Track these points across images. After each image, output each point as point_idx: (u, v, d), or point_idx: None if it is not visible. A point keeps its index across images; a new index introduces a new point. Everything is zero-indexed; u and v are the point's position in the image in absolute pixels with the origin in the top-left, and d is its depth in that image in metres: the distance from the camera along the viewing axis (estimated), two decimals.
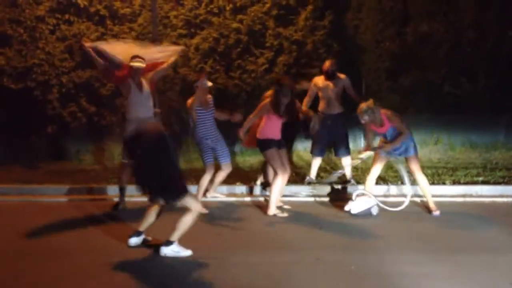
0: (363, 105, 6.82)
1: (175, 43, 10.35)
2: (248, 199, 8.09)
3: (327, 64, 8.15)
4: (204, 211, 7.09)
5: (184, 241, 5.56)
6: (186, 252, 5.54)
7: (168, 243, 5.52)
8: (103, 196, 8.25)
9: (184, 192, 5.47)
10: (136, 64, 7.05)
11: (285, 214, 7.01)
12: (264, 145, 7.05)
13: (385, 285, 4.75)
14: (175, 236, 5.50)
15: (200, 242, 5.92)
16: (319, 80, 8.17)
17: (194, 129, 7.38)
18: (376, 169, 7.24)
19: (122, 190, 7.45)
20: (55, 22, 10.41)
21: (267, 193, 7.60)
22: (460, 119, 10.52)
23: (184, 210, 5.49)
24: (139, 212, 6.17)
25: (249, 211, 7.42)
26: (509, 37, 10.60)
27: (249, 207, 7.65)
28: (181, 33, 10.56)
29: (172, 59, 7.60)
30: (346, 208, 7.12)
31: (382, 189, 8.07)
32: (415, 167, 7.07)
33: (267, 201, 7.35)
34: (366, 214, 7.01)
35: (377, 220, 6.89)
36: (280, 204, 7.37)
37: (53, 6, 10.38)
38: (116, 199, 7.59)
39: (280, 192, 7.31)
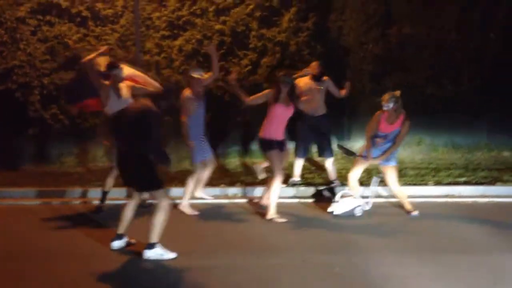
0: (392, 92, 6.93)
1: (157, 45, 10.31)
2: (235, 201, 8.07)
3: (314, 66, 8.19)
4: (192, 212, 7.16)
5: (168, 243, 5.53)
6: (170, 255, 5.50)
7: (151, 245, 5.47)
8: (86, 199, 8.16)
9: (158, 184, 5.52)
10: (116, 71, 6.97)
11: (283, 220, 6.86)
12: (265, 145, 6.95)
13: (371, 287, 4.76)
14: (154, 237, 5.46)
15: (185, 244, 5.89)
16: (301, 82, 8.16)
17: (187, 122, 7.15)
18: (358, 171, 7.27)
19: (104, 194, 7.37)
20: (36, 23, 10.28)
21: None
22: (443, 120, 10.59)
23: (155, 208, 5.49)
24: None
25: (236, 213, 7.39)
26: (491, 39, 10.70)
27: (236, 209, 7.61)
28: (164, 35, 10.49)
29: (151, 89, 7.40)
30: (330, 209, 7.14)
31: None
32: (394, 177, 7.12)
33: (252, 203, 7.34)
34: (350, 215, 7.03)
35: (361, 221, 6.91)
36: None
37: (34, 7, 10.25)
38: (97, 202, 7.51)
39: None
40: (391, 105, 6.86)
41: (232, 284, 4.88)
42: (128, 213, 5.79)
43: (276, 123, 6.89)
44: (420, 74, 10.70)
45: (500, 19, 10.65)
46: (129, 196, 6.13)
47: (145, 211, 7.31)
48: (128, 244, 5.82)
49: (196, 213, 7.20)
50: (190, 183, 7.34)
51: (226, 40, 10.51)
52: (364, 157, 7.12)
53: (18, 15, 10.22)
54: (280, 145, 6.95)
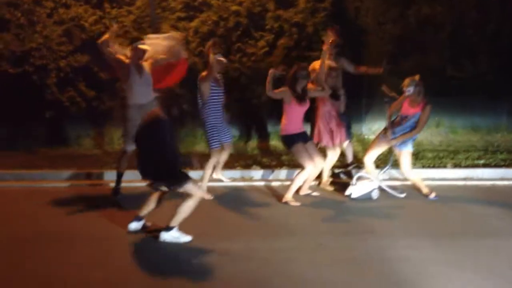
0: (412, 77, 6.89)
1: (173, 27, 10.25)
2: (252, 183, 8.05)
3: (331, 34, 7.79)
4: (209, 197, 6.95)
5: (184, 226, 5.54)
6: (186, 238, 5.52)
7: (168, 228, 5.50)
8: (103, 181, 8.20)
9: (184, 178, 5.45)
10: (140, 45, 6.99)
11: (298, 203, 6.85)
12: (288, 141, 6.93)
13: (387, 271, 4.74)
14: (175, 221, 5.48)
15: (201, 227, 5.90)
16: (317, 65, 7.96)
17: (203, 106, 7.07)
18: (375, 153, 7.21)
19: (119, 176, 7.41)
20: (53, 6, 10.28)
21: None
22: (462, 101, 10.44)
23: (186, 196, 5.46)
24: (138, 198, 6.17)
25: (252, 196, 7.37)
26: (510, 19, 10.48)
27: (252, 192, 7.60)
28: (179, 16, 10.43)
29: (172, 43, 7.47)
30: (347, 192, 7.11)
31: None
32: (408, 163, 7.05)
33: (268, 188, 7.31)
34: (367, 198, 6.99)
35: (377, 204, 6.87)
36: (309, 191, 7.32)
37: None
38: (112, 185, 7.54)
39: (310, 180, 7.25)
40: (411, 89, 6.83)
41: (246, 267, 4.88)
42: (153, 202, 5.80)
43: (294, 119, 6.88)
44: (439, 55, 10.53)
45: None
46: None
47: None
48: (144, 227, 5.84)
49: (210, 197, 7.00)
50: (208, 169, 7.24)
51: (242, 22, 10.41)
52: (382, 138, 7.07)
53: None
54: (302, 137, 6.93)
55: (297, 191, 7.20)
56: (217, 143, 7.17)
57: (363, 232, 5.77)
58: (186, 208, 5.45)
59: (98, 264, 5.00)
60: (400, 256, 5.04)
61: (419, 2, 10.51)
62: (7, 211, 6.75)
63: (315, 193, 7.30)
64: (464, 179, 8.02)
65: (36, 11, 10.24)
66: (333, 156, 7.63)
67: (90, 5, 10.33)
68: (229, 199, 7.22)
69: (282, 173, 8.29)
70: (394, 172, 7.92)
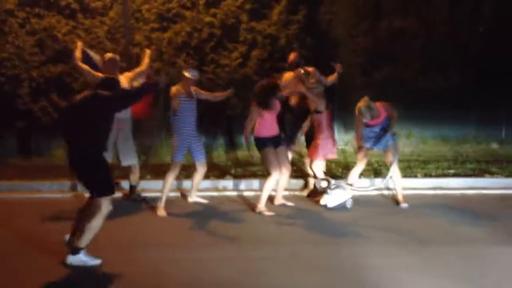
0: (361, 105, 6.82)
1: (147, 37, 10.26)
2: (225, 193, 8.07)
3: (291, 56, 8.08)
4: (163, 214, 6.78)
5: (158, 235, 5.49)
6: (94, 262, 5.08)
7: (76, 250, 5.05)
8: (76, 192, 8.12)
9: (106, 190, 5.05)
10: (111, 56, 6.98)
11: (271, 213, 6.85)
12: (259, 144, 6.97)
13: (360, 278, 4.78)
14: (82, 243, 5.03)
15: (174, 237, 5.89)
16: (289, 76, 8.06)
17: (173, 118, 6.96)
18: (362, 163, 7.29)
19: (131, 188, 7.54)
20: (25, 16, 10.21)
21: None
22: (432, 113, 10.64)
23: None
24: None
25: (225, 206, 7.38)
26: (480, 32, 10.75)
27: (226, 202, 7.61)
28: (153, 27, 10.46)
29: (146, 60, 7.49)
30: (322, 202, 7.14)
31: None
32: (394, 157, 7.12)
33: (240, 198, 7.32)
34: (341, 207, 7.05)
35: (351, 213, 6.94)
36: (283, 201, 7.33)
37: (23, 0, 10.18)
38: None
39: (281, 188, 7.27)
40: (368, 116, 6.87)
41: (220, 276, 4.87)
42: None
43: (267, 123, 6.93)
44: (410, 67, 10.73)
45: (489, 12, 10.69)
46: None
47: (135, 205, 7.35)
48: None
49: (164, 214, 6.79)
50: (167, 181, 6.97)
51: (216, 33, 10.49)
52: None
53: (7, 7, 10.15)
54: (274, 142, 6.96)
55: (272, 201, 7.24)
56: (181, 155, 6.99)
57: (337, 241, 5.82)
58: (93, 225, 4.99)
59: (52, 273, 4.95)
60: (373, 264, 5.09)
61: (390, 15, 10.70)
62: None
63: (289, 203, 7.33)
64: (434, 188, 8.16)
65: (8, 21, 10.15)
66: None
67: (63, 16, 10.28)
68: (202, 209, 7.22)
69: (255, 183, 8.32)
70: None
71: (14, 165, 9.72)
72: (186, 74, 7.01)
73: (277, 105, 6.97)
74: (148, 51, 7.64)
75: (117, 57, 7.12)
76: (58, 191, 8.23)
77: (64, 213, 6.79)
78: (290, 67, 8.01)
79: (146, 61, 7.47)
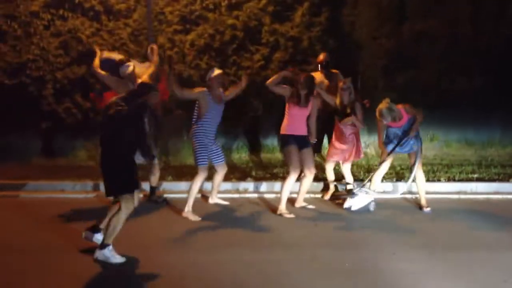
0: (382, 107, 6.71)
1: (170, 40, 10.31)
2: (246, 195, 8.06)
3: (321, 56, 8.24)
4: (197, 218, 6.73)
5: (178, 237, 5.52)
6: (118, 259, 5.23)
7: (103, 246, 5.22)
8: (98, 192, 8.19)
9: (127, 188, 5.26)
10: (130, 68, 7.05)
11: (292, 215, 6.80)
12: (282, 141, 6.97)
13: (381, 283, 4.75)
14: (108, 239, 5.21)
15: (195, 238, 5.90)
16: (315, 77, 8.08)
17: (196, 122, 6.87)
18: (385, 166, 7.24)
19: (152, 189, 7.54)
20: (50, 18, 10.35)
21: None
22: (456, 116, 10.52)
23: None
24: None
25: (246, 208, 7.36)
26: (503, 34, 10.61)
27: (247, 204, 7.58)
28: (176, 29, 10.51)
29: (155, 58, 7.58)
30: (346, 205, 7.08)
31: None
32: (418, 161, 7.02)
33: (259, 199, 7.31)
34: (364, 210, 7.00)
35: (373, 216, 6.88)
36: (304, 204, 7.29)
37: (48, 1, 10.30)
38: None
39: (303, 192, 7.24)
40: (389, 118, 6.76)
41: (240, 279, 4.87)
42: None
43: (293, 120, 6.88)
44: (432, 70, 10.63)
45: None
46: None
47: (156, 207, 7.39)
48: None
49: (199, 219, 6.73)
50: (194, 186, 6.83)
51: (239, 35, 10.50)
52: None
53: (32, 9, 10.30)
54: (299, 142, 6.89)
55: (292, 203, 7.21)
56: (205, 160, 6.85)
57: (359, 244, 5.78)
58: (114, 223, 5.19)
59: (83, 274, 4.99)
60: (394, 268, 5.05)
61: (413, 16, 10.62)
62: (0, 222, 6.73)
63: (310, 206, 7.30)
64: (458, 192, 8.06)
65: (33, 23, 10.30)
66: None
67: (87, 18, 10.40)
68: (222, 210, 7.23)
69: (276, 185, 8.30)
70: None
71: (38, 165, 9.84)
72: (214, 74, 6.90)
73: (309, 105, 6.92)
74: (155, 47, 7.72)
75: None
76: (82, 191, 8.30)
77: (87, 213, 6.88)
78: (321, 65, 8.22)
79: (155, 58, 7.55)
